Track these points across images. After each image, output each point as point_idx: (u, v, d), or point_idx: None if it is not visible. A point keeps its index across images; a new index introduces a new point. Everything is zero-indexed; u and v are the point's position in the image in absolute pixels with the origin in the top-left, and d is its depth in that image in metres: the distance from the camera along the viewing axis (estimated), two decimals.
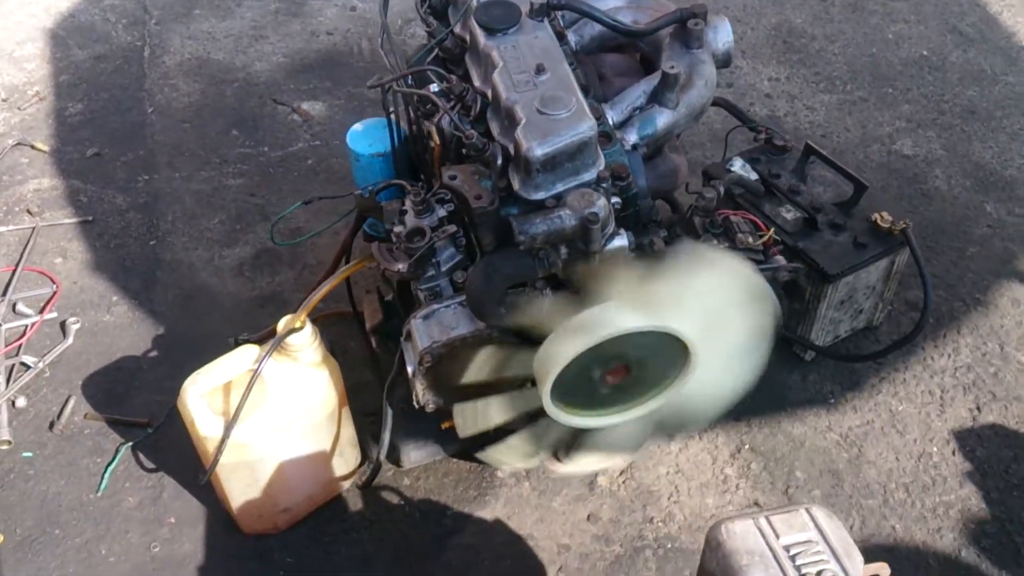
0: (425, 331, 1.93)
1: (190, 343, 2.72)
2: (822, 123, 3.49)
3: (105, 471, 2.42)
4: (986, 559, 2.27)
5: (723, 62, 2.14)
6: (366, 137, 2.31)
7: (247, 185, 3.30)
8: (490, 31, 1.98)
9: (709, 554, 1.70)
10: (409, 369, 1.96)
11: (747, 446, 2.51)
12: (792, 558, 1.60)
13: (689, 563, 2.26)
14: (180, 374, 2.08)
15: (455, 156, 2.00)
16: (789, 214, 2.59)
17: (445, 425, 2.45)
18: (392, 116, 2.18)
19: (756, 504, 2.41)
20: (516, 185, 1.82)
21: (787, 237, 2.53)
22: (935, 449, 2.50)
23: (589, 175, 1.83)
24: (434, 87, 2.08)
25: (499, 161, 1.85)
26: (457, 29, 2.14)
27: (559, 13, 2.11)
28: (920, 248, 2.46)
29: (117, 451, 2.46)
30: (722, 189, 2.17)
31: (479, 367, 1.79)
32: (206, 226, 3.16)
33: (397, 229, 2.00)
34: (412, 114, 2.15)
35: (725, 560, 1.63)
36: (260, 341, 2.32)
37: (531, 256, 1.78)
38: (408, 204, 2.05)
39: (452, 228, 1.99)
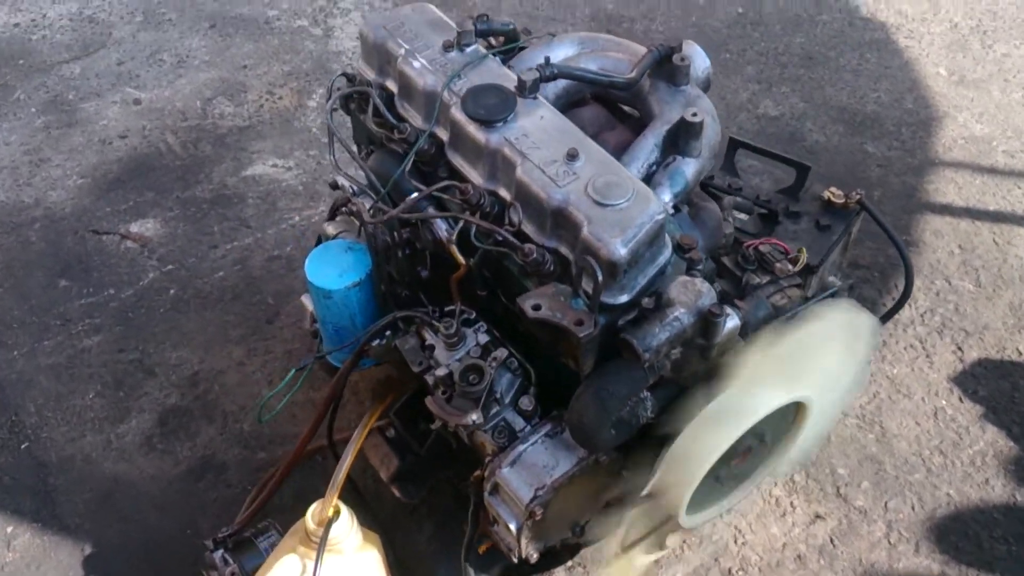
0: (521, 480, 1.66)
1: (137, 558, 2.24)
2: None
3: None
4: None
5: (705, 89, 1.98)
6: (330, 267, 1.95)
7: (109, 341, 2.77)
8: (487, 123, 1.71)
9: None
10: (512, 527, 1.69)
11: None
12: None
13: None
14: None
15: (490, 274, 1.72)
16: (744, 215, 2.50)
17: (483, 549, 2.22)
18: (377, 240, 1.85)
19: (818, 517, 2.33)
20: (574, 283, 1.59)
21: (754, 239, 2.45)
22: (944, 402, 2.54)
23: (664, 258, 1.63)
24: (432, 211, 1.78)
25: (554, 270, 1.61)
26: (418, 123, 1.84)
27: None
28: None
29: None
30: (732, 219, 2.03)
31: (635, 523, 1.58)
32: (82, 404, 2.62)
33: (440, 372, 1.71)
34: (396, 236, 1.83)
35: None
36: (235, 537, 1.95)
37: (641, 368, 1.56)
38: (434, 338, 1.75)
39: (503, 354, 1.73)
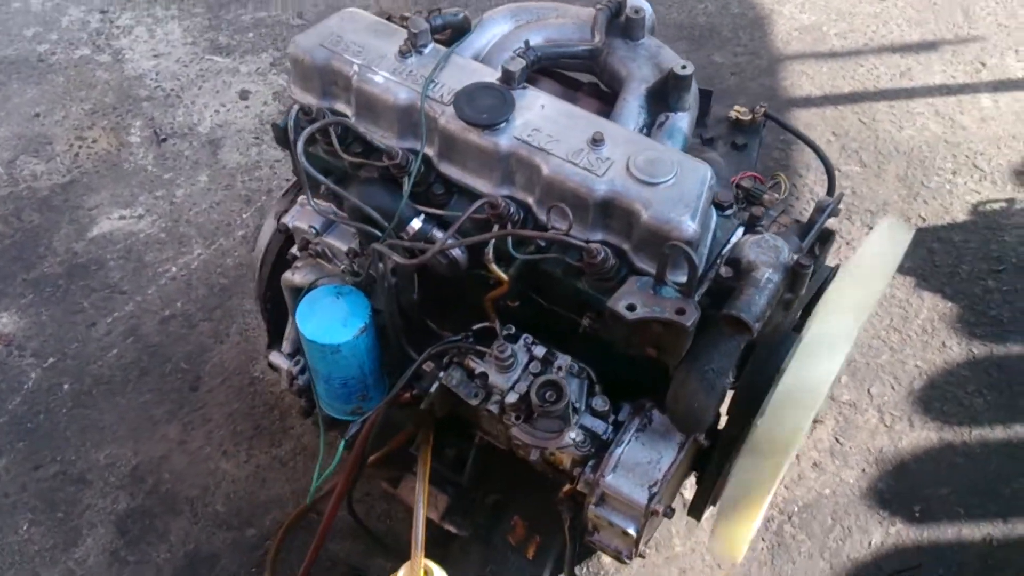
0: (631, 483, 1.59)
1: None
2: None
3: None
4: None
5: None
6: (328, 319, 1.75)
7: (18, 461, 2.39)
8: (491, 127, 1.56)
9: None
10: (631, 530, 1.62)
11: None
12: None
13: None
14: None
15: (526, 283, 1.61)
16: None
17: (531, 554, 2.16)
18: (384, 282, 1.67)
19: (816, 422, 2.41)
20: (659, 273, 1.51)
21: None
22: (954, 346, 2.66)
23: (713, 221, 1.59)
24: (417, 222, 1.62)
25: (614, 262, 1.52)
26: (391, 142, 1.67)
27: None
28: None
29: None
30: None
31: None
32: (18, 540, 2.26)
33: (511, 399, 1.59)
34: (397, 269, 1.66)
35: None
36: None
37: (733, 339, 1.51)
38: (482, 364, 1.63)
39: (565, 361, 1.64)
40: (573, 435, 1.56)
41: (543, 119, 1.59)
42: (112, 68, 3.38)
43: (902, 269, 2.69)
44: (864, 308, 1.64)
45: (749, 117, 2.48)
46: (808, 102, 3.15)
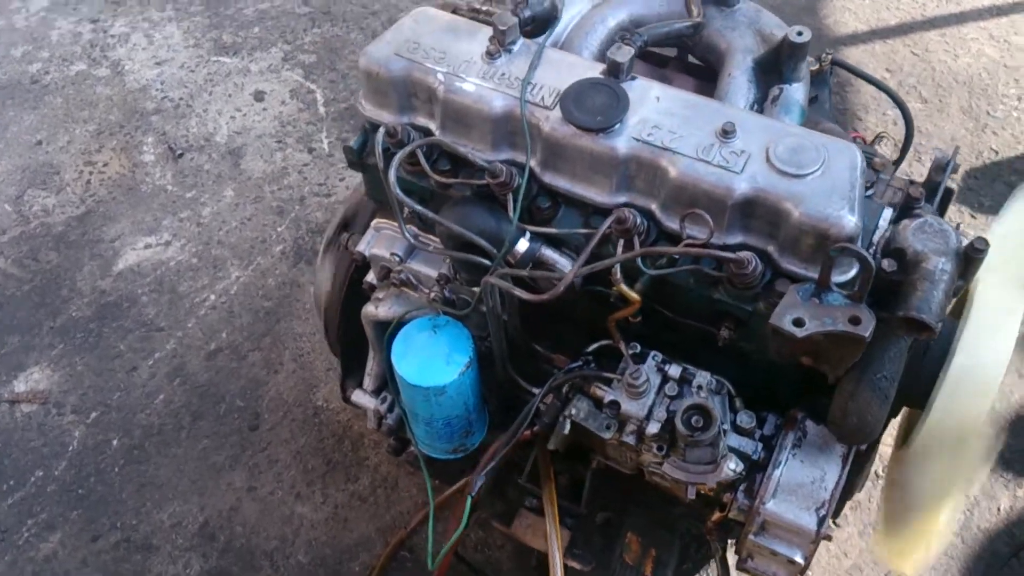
0: (797, 507, 1.43)
1: None
2: None
3: None
4: None
5: None
6: (428, 358, 1.58)
7: (73, 533, 2.22)
8: (605, 130, 1.38)
9: None
10: (799, 558, 1.46)
11: None
12: None
13: None
14: None
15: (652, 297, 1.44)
16: None
17: (649, 571, 2.02)
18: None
19: None
20: (814, 274, 1.35)
21: None
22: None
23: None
24: (524, 243, 1.44)
25: (763, 270, 1.36)
26: (486, 155, 1.48)
27: None
28: None
29: None
30: None
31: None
32: None
33: (652, 429, 1.43)
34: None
35: None
36: None
37: (900, 339, 1.35)
38: (611, 392, 1.47)
39: (704, 379, 1.47)
40: (733, 466, 1.40)
41: (661, 113, 1.40)
42: (113, 82, 3.15)
43: (984, 209, 2.53)
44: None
45: (816, 67, 2.30)
46: (855, 39, 2.96)
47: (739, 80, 1.57)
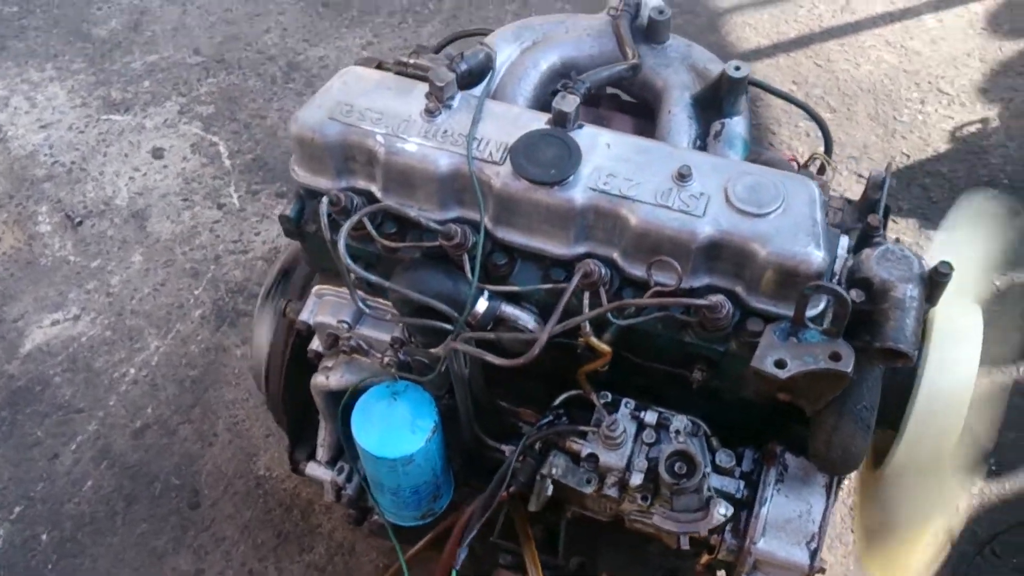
0: (788, 543, 1.42)
1: None
2: None
3: None
4: None
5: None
6: (391, 427, 1.52)
7: None
8: (560, 183, 1.35)
9: None
10: None
11: None
12: None
13: None
14: None
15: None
16: None
17: None
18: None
19: None
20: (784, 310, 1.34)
21: None
22: None
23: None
24: (483, 303, 1.40)
25: (732, 311, 1.34)
26: (434, 215, 1.43)
27: None
28: None
29: None
30: None
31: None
32: None
33: (635, 480, 1.40)
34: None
35: None
36: None
37: (876, 368, 1.35)
38: (590, 442, 1.43)
39: (682, 423, 1.46)
40: (723, 511, 1.37)
41: (614, 160, 1.37)
42: None
43: (903, 213, 2.60)
44: (980, 284, 1.52)
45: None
46: (759, 53, 3.01)
47: (679, 117, 1.56)
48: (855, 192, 2.50)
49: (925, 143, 2.75)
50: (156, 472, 2.27)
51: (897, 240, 1.59)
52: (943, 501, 1.48)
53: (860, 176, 2.68)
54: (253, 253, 2.66)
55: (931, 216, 2.59)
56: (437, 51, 1.84)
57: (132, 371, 2.45)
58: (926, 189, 2.64)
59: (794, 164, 1.88)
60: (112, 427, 2.35)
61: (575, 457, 1.46)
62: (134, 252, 2.68)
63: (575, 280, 1.30)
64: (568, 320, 1.30)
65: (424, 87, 1.44)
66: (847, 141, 2.76)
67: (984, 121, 2.79)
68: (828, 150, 2.00)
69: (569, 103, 1.38)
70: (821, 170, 1.86)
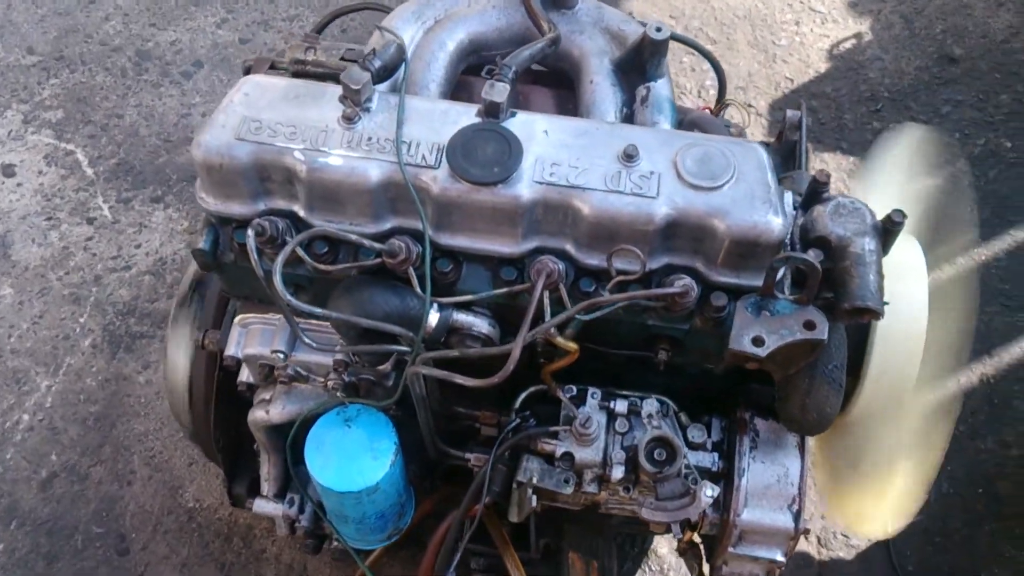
0: (771, 510, 1.42)
1: None
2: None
3: None
4: None
5: None
6: (349, 457, 1.43)
7: None
8: (505, 180, 1.26)
9: None
10: (780, 557, 1.45)
11: None
12: None
13: None
14: None
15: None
16: None
17: None
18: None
19: None
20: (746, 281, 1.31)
21: None
22: None
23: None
24: (434, 317, 1.31)
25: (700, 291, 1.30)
26: (367, 230, 1.33)
27: None
28: None
29: None
30: None
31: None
32: None
33: (617, 474, 1.37)
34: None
35: None
36: None
37: (840, 325, 1.34)
38: (562, 441, 1.38)
39: (652, 406, 1.42)
40: (709, 492, 1.34)
41: (555, 147, 1.29)
42: None
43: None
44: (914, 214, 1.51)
45: None
46: None
47: (603, 86, 1.49)
48: (753, 126, 2.50)
49: (806, 65, 2.77)
50: (74, 523, 2.11)
51: None
52: (910, 443, 1.48)
53: (750, 106, 2.67)
54: (137, 268, 2.46)
55: (823, 138, 2.62)
56: (319, 31, 1.71)
57: (26, 417, 2.24)
58: (814, 111, 2.66)
59: (708, 111, 1.85)
60: (15, 482, 2.16)
61: (548, 458, 1.41)
62: (2, 285, 2.44)
63: (539, 286, 1.23)
64: (537, 328, 1.22)
65: (335, 89, 1.32)
66: (731, 72, 2.74)
67: (858, 36, 2.82)
68: (722, 86, 1.97)
69: (499, 92, 1.28)
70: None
